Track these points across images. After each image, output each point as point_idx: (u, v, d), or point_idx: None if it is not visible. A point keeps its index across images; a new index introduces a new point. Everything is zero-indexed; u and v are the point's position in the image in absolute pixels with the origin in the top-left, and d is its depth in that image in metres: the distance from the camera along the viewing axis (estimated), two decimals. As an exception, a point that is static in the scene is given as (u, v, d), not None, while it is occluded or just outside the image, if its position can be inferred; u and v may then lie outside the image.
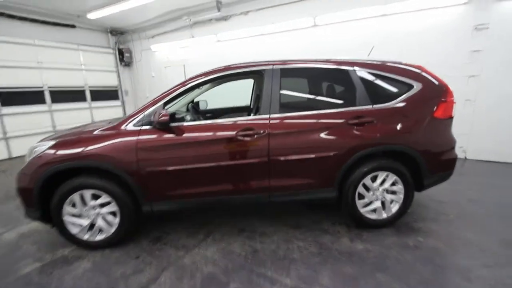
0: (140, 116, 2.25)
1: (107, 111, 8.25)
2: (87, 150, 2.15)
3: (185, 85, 2.37)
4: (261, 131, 2.23)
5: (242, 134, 2.22)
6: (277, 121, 2.28)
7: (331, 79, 2.49)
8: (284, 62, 2.41)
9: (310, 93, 2.58)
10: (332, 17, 5.25)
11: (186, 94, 2.50)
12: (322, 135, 2.28)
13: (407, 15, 4.80)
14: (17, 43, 6.19)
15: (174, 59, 7.84)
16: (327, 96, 2.53)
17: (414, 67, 2.51)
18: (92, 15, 6.48)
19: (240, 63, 2.43)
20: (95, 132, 2.27)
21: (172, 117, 2.63)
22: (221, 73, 2.42)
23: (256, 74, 2.46)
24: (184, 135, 2.22)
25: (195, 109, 3.14)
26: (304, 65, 2.42)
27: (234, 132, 2.23)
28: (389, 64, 2.46)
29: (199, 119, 2.81)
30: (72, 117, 7.30)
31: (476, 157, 4.73)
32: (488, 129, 4.56)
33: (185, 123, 2.31)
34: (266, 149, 2.24)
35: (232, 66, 2.44)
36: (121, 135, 2.20)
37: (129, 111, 8.60)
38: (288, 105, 2.36)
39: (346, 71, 2.39)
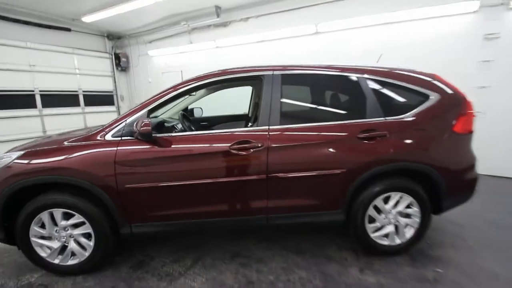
0: (121, 125, 1.97)
1: (101, 117, 7.97)
2: (56, 163, 1.87)
3: (176, 90, 2.10)
4: (259, 145, 1.95)
5: (237, 147, 1.95)
6: (277, 133, 2.01)
7: (338, 87, 2.24)
8: (286, 67, 2.16)
9: (314, 102, 2.32)
10: (335, 24, 5.06)
11: (177, 100, 2.24)
12: (328, 150, 2.01)
13: (412, 23, 4.61)
14: (8, 45, 5.95)
15: (171, 65, 7.64)
16: (333, 106, 2.27)
17: (429, 75, 2.26)
18: (87, 19, 6.29)
19: (238, 67, 2.18)
20: (67, 143, 1.98)
21: (160, 126, 2.37)
22: (216, 78, 2.16)
23: (254, 80, 2.21)
24: (170, 147, 1.94)
25: (186, 117, 2.87)
26: (308, 71, 2.16)
27: (228, 145, 1.95)
28: (402, 72, 2.21)
29: (190, 129, 2.53)
30: (64, 122, 7.01)
31: (488, 172, 4.46)
32: (500, 142, 4.31)
33: (173, 134, 2.04)
34: (264, 165, 1.96)
35: (228, 70, 2.18)
36: (97, 146, 1.92)
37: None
38: (289, 116, 2.10)
39: (355, 79, 2.13)
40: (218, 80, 2.17)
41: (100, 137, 1.94)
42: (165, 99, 2.07)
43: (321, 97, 2.32)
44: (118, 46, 8.31)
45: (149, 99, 2.08)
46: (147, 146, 1.92)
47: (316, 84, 2.23)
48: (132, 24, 7.18)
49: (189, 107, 3.58)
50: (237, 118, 3.62)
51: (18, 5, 5.70)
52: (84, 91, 7.49)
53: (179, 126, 2.70)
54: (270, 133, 1.99)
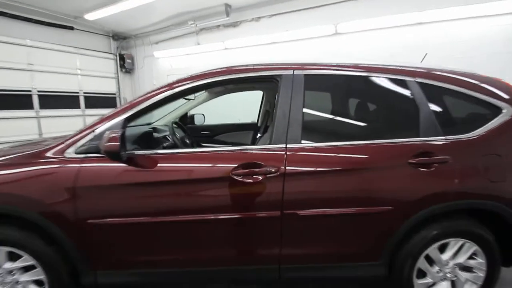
0: (87, 138, 1.47)
1: (103, 120, 7.59)
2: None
3: (172, 88, 1.59)
4: (272, 170, 1.42)
5: (241, 172, 1.42)
6: (298, 154, 1.48)
7: (380, 95, 1.67)
8: (310, 65, 1.62)
9: (348, 114, 1.77)
10: (357, 24, 4.54)
11: (166, 104, 1.74)
12: (368, 179, 1.47)
13: (448, 23, 4.05)
14: (5, 42, 5.64)
15: (177, 67, 7.24)
16: (373, 119, 1.72)
17: (495, 82, 1.71)
18: (90, 16, 5.96)
19: (247, 65, 1.67)
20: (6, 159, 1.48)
21: (147, 137, 1.86)
22: (219, 77, 1.65)
23: (268, 81, 1.69)
24: (151, 170, 1.43)
25: (181, 128, 2.37)
26: (340, 71, 1.62)
27: (229, 168, 1.43)
28: (465, 77, 1.66)
29: (183, 143, 2.02)
30: (62, 124, 6.63)
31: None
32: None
33: (158, 151, 1.53)
34: (278, 198, 1.43)
35: (235, 68, 1.68)
36: (48, 165, 1.42)
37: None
38: (314, 131, 1.58)
39: (405, 84, 1.59)
40: (221, 80, 1.66)
41: (55, 154, 1.44)
42: (148, 103, 1.56)
43: (357, 106, 1.77)
44: (124, 47, 8.00)
45: (128, 103, 1.58)
46: (120, 167, 1.41)
47: (350, 89, 1.68)
48: (138, 24, 6.85)
49: (190, 113, 3.10)
50: (245, 127, 3.11)
51: (18, 1, 5.39)
52: (85, 93, 7.13)
53: (177, 135, 2.21)
54: (287, 153, 1.46)
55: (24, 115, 6.04)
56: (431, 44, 4.15)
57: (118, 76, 7.91)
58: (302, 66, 1.60)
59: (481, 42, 3.91)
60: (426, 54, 2.28)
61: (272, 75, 1.61)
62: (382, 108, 1.70)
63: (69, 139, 1.47)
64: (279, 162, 1.44)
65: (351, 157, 1.48)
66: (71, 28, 6.72)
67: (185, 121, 2.98)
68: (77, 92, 6.98)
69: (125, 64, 7.84)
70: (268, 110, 2.92)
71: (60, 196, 1.37)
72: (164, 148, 1.85)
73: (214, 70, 1.67)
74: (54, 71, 6.47)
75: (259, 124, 3.05)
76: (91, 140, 1.45)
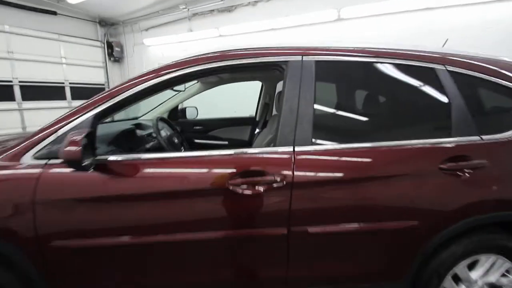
0: (49, 139, 1.19)
1: (92, 112, 7.22)
2: None
3: (159, 76, 1.32)
4: (278, 178, 1.17)
5: (240, 182, 1.16)
6: (308, 158, 1.23)
7: (407, 87, 1.39)
8: (323, 50, 1.34)
9: (368, 110, 1.48)
10: (361, 9, 4.23)
11: (150, 96, 1.46)
12: (391, 189, 1.23)
13: (458, 9, 3.78)
14: (-19, 28, 5.21)
15: (169, 56, 6.83)
16: (397, 116, 1.44)
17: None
18: (72, -1, 5.51)
19: (245, 49, 1.37)
20: None
21: (129, 136, 1.59)
22: (212, 64, 1.35)
23: (270, 70, 1.42)
24: (126, 180, 1.17)
25: (169, 124, 2.08)
26: (358, 57, 1.34)
27: (225, 177, 1.17)
28: (502, 67, 1.40)
29: (170, 143, 1.75)
30: (47, 117, 6.14)
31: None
32: None
33: (139, 155, 1.26)
34: (285, 212, 1.19)
35: (231, 52, 1.39)
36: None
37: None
38: (328, 131, 1.32)
39: (433, 72, 1.33)
40: (214, 67, 1.38)
41: (5, 160, 1.15)
42: (128, 95, 1.28)
43: (380, 101, 1.51)
44: (112, 34, 7.54)
45: (103, 93, 1.30)
46: (87, 176, 1.14)
47: (371, 79, 1.40)
48: (126, 8, 6.41)
49: (181, 106, 2.82)
50: (242, 121, 2.84)
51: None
52: (71, 83, 6.73)
53: (162, 134, 1.92)
54: (296, 157, 1.20)
55: (5, 107, 5.66)
56: (439, 31, 3.88)
57: (106, 65, 7.49)
58: (313, 51, 1.31)
59: (491, 28, 3.66)
60: (447, 39, 2.02)
61: (276, 61, 1.32)
62: (408, 103, 1.42)
63: (26, 141, 1.19)
64: (285, 168, 1.19)
65: (371, 162, 1.24)
66: (54, 13, 6.27)
67: (176, 115, 2.70)
68: (63, 83, 6.58)
69: (113, 53, 7.41)
70: (267, 103, 2.66)
71: (16, 212, 1.11)
72: (148, 150, 1.59)
73: (205, 55, 1.39)
74: (36, 60, 6.06)
75: (257, 119, 2.78)
76: (53, 142, 1.17)
